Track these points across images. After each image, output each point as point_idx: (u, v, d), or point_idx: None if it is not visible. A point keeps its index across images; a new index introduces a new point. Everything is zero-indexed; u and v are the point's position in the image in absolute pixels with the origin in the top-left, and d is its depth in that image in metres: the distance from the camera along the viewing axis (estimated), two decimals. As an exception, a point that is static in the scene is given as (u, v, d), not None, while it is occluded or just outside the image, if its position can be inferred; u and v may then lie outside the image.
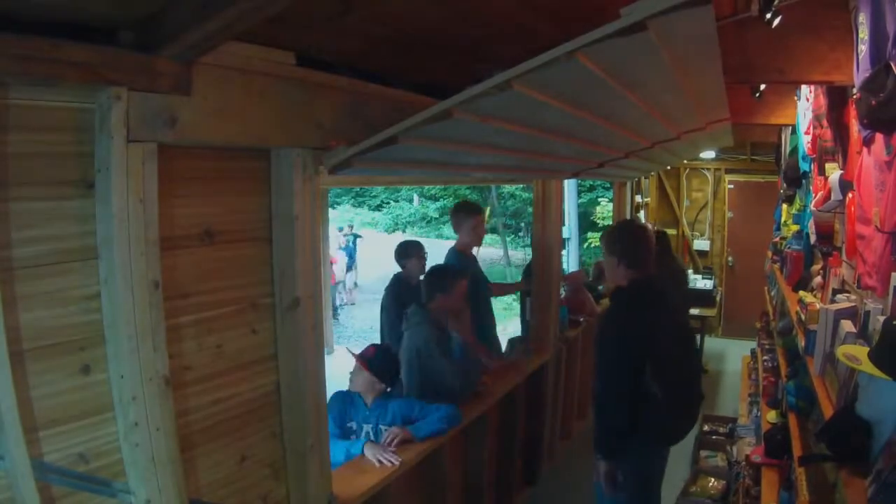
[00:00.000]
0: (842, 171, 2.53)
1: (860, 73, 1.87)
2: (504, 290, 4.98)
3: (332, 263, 9.17)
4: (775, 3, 2.02)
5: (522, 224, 15.41)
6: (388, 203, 19.09)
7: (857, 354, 1.54)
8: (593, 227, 12.74)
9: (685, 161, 7.11)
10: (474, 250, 3.77)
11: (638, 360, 2.20)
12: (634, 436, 2.25)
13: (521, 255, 14.57)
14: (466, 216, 3.66)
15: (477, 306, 3.45)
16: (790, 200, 4.75)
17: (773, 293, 5.09)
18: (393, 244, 3.94)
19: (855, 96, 1.95)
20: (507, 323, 8.04)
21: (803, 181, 4.03)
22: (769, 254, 5.56)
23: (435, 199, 18.35)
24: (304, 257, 1.70)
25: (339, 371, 2.73)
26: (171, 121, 1.33)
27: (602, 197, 13.23)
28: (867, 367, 1.47)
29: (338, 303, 11.33)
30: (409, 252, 3.60)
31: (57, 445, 1.24)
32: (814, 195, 3.21)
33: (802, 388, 2.65)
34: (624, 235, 2.47)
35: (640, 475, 2.40)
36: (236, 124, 1.49)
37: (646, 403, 2.21)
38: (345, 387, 2.47)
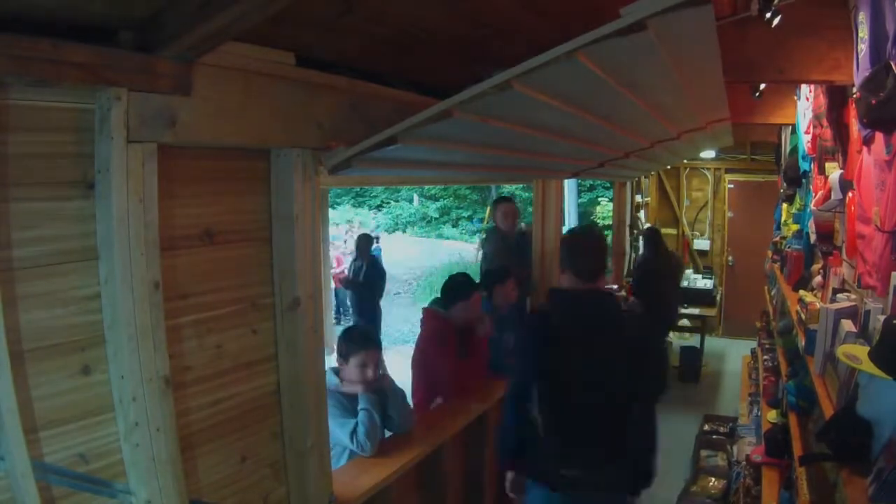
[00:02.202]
0: (842, 171, 2.53)
1: (860, 72, 1.87)
2: None
3: (337, 267, 8.86)
4: (775, 2, 2.02)
5: (522, 224, 15.43)
6: (388, 203, 19.09)
7: (857, 354, 1.53)
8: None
9: (685, 161, 7.11)
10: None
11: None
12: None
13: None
14: (497, 206, 4.27)
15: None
16: (790, 200, 4.75)
17: (773, 293, 5.09)
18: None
19: (855, 95, 1.95)
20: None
21: (803, 180, 4.03)
22: (769, 253, 5.56)
23: (435, 199, 18.35)
24: (304, 257, 1.70)
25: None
26: (170, 121, 1.32)
27: (602, 196, 13.24)
28: (867, 366, 1.47)
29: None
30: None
31: (57, 446, 1.24)
32: (814, 194, 3.21)
33: (803, 388, 2.65)
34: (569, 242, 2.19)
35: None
36: (236, 125, 1.49)
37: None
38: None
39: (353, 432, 2.16)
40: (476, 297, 2.93)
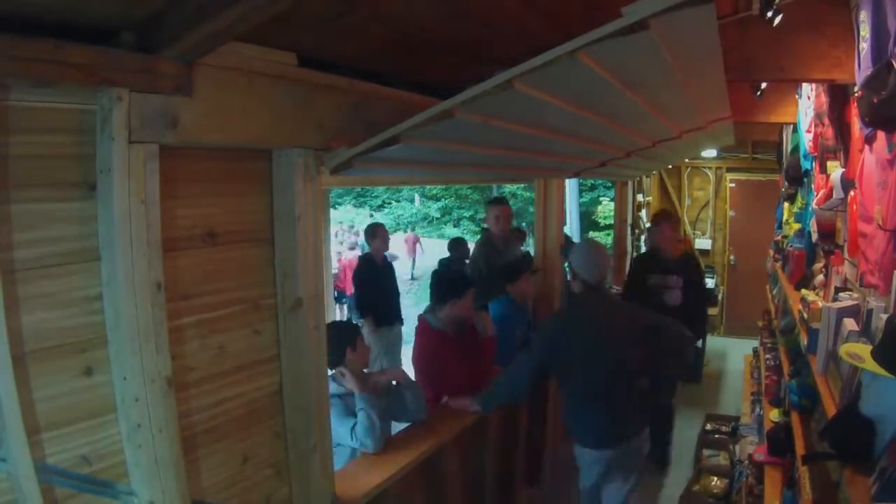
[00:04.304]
0: (843, 169, 2.53)
1: (861, 70, 1.87)
2: None
3: (342, 267, 8.56)
4: (776, 1, 2.01)
5: (524, 224, 15.47)
6: (389, 203, 19.12)
7: (859, 353, 1.53)
8: (595, 226, 12.75)
9: (687, 160, 7.10)
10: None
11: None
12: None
13: (522, 254, 14.60)
14: (490, 208, 4.24)
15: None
16: (792, 199, 4.74)
17: (774, 291, 5.08)
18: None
19: (856, 94, 1.95)
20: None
21: (805, 179, 4.02)
22: (771, 252, 5.55)
23: (436, 199, 18.38)
24: (306, 258, 1.70)
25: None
26: (172, 122, 1.32)
27: (603, 196, 13.25)
28: (870, 365, 1.47)
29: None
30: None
31: (60, 447, 1.24)
32: (815, 193, 3.20)
33: (805, 387, 2.64)
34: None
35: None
36: (237, 125, 1.49)
37: None
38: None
39: (353, 430, 2.23)
40: (468, 296, 2.83)
